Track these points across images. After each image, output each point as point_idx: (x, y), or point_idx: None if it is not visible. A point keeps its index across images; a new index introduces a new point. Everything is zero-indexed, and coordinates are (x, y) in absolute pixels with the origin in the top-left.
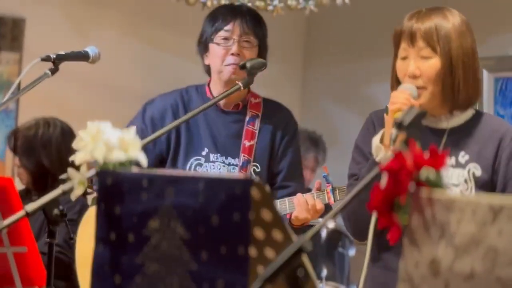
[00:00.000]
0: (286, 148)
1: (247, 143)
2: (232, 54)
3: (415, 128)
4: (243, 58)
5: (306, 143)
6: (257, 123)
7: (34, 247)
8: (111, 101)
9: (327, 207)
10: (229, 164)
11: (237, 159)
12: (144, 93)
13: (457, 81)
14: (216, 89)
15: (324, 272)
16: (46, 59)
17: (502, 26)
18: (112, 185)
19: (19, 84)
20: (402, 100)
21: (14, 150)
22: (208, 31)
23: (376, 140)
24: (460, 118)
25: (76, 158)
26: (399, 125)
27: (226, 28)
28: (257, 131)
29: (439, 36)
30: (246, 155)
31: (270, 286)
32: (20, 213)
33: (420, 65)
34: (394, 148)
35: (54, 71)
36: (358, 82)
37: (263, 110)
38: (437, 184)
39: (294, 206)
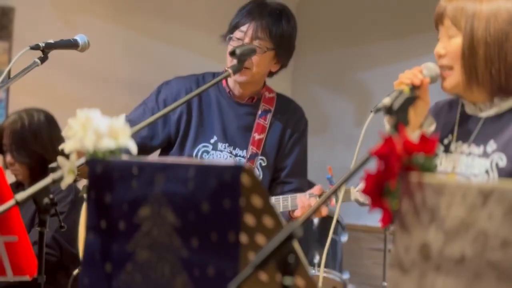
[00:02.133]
0: (294, 145)
1: (256, 136)
2: None
3: (404, 113)
4: (250, 61)
5: None
6: (269, 117)
7: (24, 236)
8: (100, 89)
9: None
10: (236, 155)
11: (244, 151)
12: (132, 81)
13: (481, 62)
14: (231, 81)
15: (317, 259)
16: (35, 47)
17: None
18: (102, 173)
19: (9, 73)
20: (408, 75)
21: (2, 149)
22: (232, 24)
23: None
24: (501, 107)
25: (66, 146)
26: (388, 110)
27: (242, 28)
28: (267, 126)
29: (465, 15)
30: (255, 148)
31: (261, 273)
32: (10, 202)
33: (446, 44)
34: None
35: (43, 59)
36: (348, 68)
37: (276, 106)
38: (427, 168)
39: (297, 205)
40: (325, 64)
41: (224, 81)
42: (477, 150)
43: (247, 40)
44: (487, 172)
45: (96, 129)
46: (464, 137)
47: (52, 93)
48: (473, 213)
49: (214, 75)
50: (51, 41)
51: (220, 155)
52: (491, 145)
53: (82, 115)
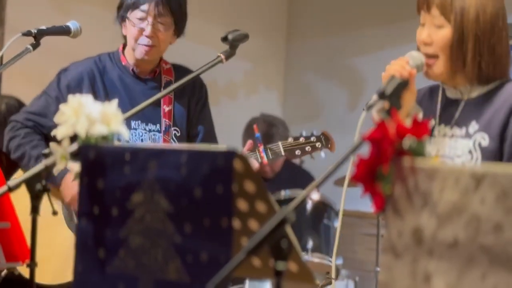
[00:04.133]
0: (201, 111)
1: (166, 108)
2: (146, 35)
3: (397, 98)
4: (156, 39)
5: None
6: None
7: (17, 223)
8: None
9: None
10: (149, 131)
11: (158, 125)
12: None
13: (470, 55)
14: (131, 58)
15: (310, 244)
16: (28, 34)
17: None
18: (94, 159)
19: (1, 59)
20: (396, 67)
21: None
22: (127, 4)
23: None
24: (482, 89)
25: (58, 132)
26: (381, 95)
27: (142, 8)
28: (172, 96)
29: (454, 6)
30: (167, 120)
31: (254, 258)
32: (3, 189)
33: (432, 33)
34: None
35: (35, 45)
36: (341, 54)
37: (175, 76)
38: (419, 152)
39: None
40: (317, 51)
41: (124, 59)
42: (460, 131)
43: (150, 19)
44: (470, 152)
45: (89, 115)
46: (446, 120)
47: (44, 78)
48: (465, 197)
49: (109, 55)
50: (43, 27)
51: (134, 133)
52: (473, 126)
53: (74, 101)
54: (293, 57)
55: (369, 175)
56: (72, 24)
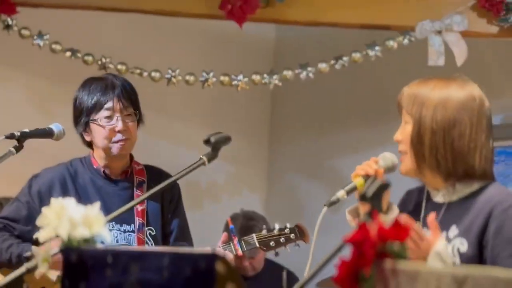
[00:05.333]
0: (175, 210)
1: (139, 207)
2: (119, 131)
3: (378, 200)
4: (128, 132)
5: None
6: (145, 188)
7: None
8: None
9: None
10: (124, 231)
11: (132, 225)
12: None
13: (427, 149)
14: (102, 161)
15: None
16: (11, 136)
17: None
18: (76, 262)
19: None
20: (364, 166)
21: None
22: (87, 107)
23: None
24: (463, 192)
25: (40, 235)
26: (362, 197)
27: (106, 106)
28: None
29: (416, 103)
30: (140, 219)
31: None
32: None
33: (402, 130)
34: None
35: (18, 148)
36: (325, 156)
37: (148, 176)
38: (401, 255)
39: None
40: (301, 152)
41: (95, 162)
42: (441, 236)
43: (117, 114)
44: None
45: (71, 217)
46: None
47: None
48: None
49: (81, 160)
50: (26, 130)
51: (109, 234)
52: (453, 230)
53: (56, 204)
54: (276, 159)
55: (351, 277)
56: (55, 127)
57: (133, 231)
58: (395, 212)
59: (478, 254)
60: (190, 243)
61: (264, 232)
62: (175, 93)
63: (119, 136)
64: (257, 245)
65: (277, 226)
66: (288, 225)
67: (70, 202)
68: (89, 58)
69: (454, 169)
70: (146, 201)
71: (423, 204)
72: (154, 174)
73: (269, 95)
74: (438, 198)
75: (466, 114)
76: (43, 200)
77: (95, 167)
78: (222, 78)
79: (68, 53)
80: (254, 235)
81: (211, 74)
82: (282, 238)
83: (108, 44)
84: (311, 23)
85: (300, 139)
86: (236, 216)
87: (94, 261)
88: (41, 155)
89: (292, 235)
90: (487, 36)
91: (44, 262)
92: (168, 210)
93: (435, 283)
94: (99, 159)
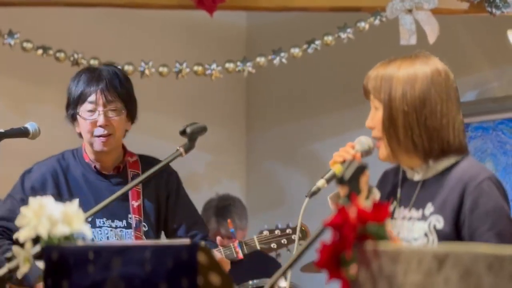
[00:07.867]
0: (175, 205)
1: (135, 204)
2: (100, 125)
3: (356, 182)
4: (111, 127)
5: (211, 217)
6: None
7: None
8: None
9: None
10: (115, 227)
11: (124, 221)
12: None
13: (401, 131)
14: (91, 155)
15: None
16: None
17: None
18: (58, 260)
19: None
20: (340, 153)
21: None
22: (72, 99)
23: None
24: (437, 169)
25: (20, 235)
26: (340, 180)
27: (89, 99)
28: (140, 190)
29: (383, 87)
30: (137, 215)
31: None
32: None
33: (373, 117)
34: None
35: None
36: (302, 141)
37: (142, 168)
38: (381, 236)
39: None
40: (278, 138)
41: (86, 156)
42: (417, 213)
43: (100, 108)
44: (426, 235)
45: (50, 216)
46: (405, 202)
47: (7, 182)
48: (429, 278)
49: (73, 152)
50: (1, 130)
51: (100, 231)
52: (429, 208)
53: (35, 202)
54: (254, 147)
55: (332, 261)
56: (30, 126)
57: (125, 227)
58: (376, 195)
59: (455, 230)
60: (201, 228)
61: (265, 233)
62: (150, 86)
63: (99, 131)
64: (258, 247)
65: (279, 225)
66: (290, 225)
67: (48, 200)
68: (61, 55)
69: (430, 148)
70: (141, 196)
71: (399, 183)
72: (148, 165)
73: (244, 83)
74: (414, 176)
75: (434, 90)
76: (37, 196)
77: (86, 161)
78: (195, 68)
79: (40, 51)
80: (255, 237)
81: (184, 65)
82: (284, 240)
83: (80, 39)
84: (282, 8)
85: (277, 125)
86: (211, 200)
87: (76, 258)
88: (16, 155)
89: (294, 236)
90: (458, 13)
91: (26, 262)
92: (167, 207)
93: (416, 262)
94: (89, 153)
